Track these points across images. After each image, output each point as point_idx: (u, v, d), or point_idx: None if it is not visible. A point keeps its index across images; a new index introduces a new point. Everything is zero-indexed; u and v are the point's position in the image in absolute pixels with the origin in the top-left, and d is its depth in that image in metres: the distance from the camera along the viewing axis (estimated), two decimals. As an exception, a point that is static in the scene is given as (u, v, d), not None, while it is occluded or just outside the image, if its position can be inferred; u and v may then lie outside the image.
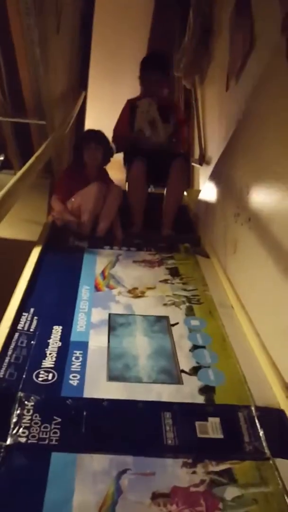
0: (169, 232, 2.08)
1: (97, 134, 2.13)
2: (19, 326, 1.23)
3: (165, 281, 1.61)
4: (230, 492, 0.81)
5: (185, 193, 2.39)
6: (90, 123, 3.47)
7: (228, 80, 2.14)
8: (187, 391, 1.05)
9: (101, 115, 3.68)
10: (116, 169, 2.29)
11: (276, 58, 1.31)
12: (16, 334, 1.19)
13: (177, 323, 1.34)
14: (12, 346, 1.14)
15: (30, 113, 2.00)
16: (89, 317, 1.33)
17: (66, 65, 2.50)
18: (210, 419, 0.96)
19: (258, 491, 0.81)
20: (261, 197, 1.38)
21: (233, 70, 2.00)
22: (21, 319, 1.26)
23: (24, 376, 1.04)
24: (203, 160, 2.49)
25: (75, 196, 1.93)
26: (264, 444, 0.91)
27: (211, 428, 0.93)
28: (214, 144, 2.31)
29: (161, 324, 1.33)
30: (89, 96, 3.44)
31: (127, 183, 2.20)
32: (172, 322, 1.34)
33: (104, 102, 3.89)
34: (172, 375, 1.10)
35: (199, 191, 2.35)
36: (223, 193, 1.84)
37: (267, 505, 0.79)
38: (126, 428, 0.94)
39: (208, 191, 2.16)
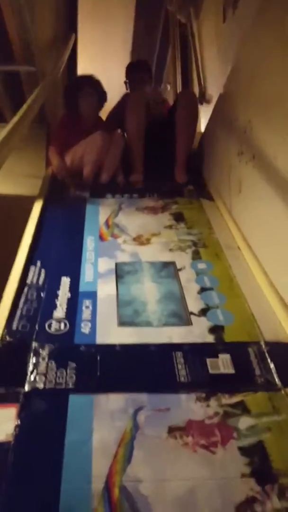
0: (183, 177, 1.98)
1: (89, 79, 2.04)
2: (28, 280, 1.24)
3: (170, 226, 1.60)
4: (244, 422, 0.84)
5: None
6: (82, 69, 3.32)
7: (224, 10, 2.01)
8: (197, 332, 1.07)
9: (94, 60, 3.52)
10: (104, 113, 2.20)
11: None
12: (26, 288, 1.20)
13: (184, 268, 1.34)
14: (22, 300, 1.15)
15: (19, 60, 1.90)
16: (96, 267, 1.33)
17: (53, 7, 2.35)
18: (221, 355, 0.98)
19: (271, 420, 0.84)
20: (265, 134, 1.33)
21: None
22: (29, 273, 1.27)
23: (36, 326, 1.06)
24: (203, 99, 2.38)
25: (78, 146, 1.86)
26: (275, 376, 0.93)
27: (222, 364, 0.96)
28: (214, 81, 2.21)
29: (168, 269, 1.34)
30: (80, 41, 3.26)
31: (127, 120, 2.06)
32: (179, 266, 1.35)
33: (95, 47, 3.70)
34: (182, 318, 1.12)
35: (200, 133, 2.27)
36: (226, 132, 1.78)
37: (280, 432, 0.82)
38: (139, 369, 0.96)
39: (210, 131, 2.09)
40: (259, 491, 0.73)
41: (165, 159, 2.00)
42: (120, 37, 3.73)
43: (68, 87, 2.09)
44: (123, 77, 2.38)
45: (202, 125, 2.36)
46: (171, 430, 0.83)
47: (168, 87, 3.49)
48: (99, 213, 1.68)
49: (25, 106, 1.41)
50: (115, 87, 2.31)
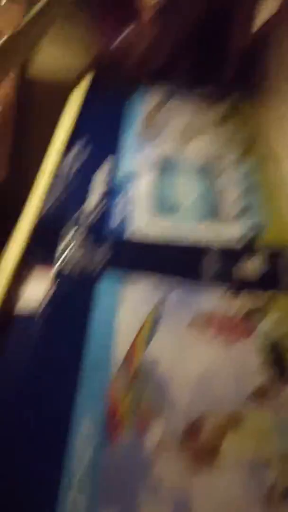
0: (236, 63, 1.79)
1: None
2: (64, 162, 1.21)
3: (218, 125, 1.50)
4: (266, 323, 0.84)
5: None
6: None
7: None
8: (232, 232, 1.04)
9: None
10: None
11: None
12: (62, 169, 1.19)
13: (227, 169, 1.27)
14: (57, 181, 1.14)
15: None
16: (136, 159, 1.29)
17: None
18: (253, 257, 0.96)
19: (294, 324, 0.84)
20: None
21: None
22: (66, 157, 1.24)
23: (70, 209, 1.06)
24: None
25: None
26: (306, 282, 0.91)
27: (254, 266, 0.94)
28: None
29: (211, 168, 1.28)
30: None
31: None
32: (222, 167, 1.28)
33: None
34: (218, 217, 1.09)
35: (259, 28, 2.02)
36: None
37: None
38: (169, 262, 0.96)
39: (272, 27, 1.86)
40: (274, 382, 0.75)
41: (221, 47, 1.80)
42: None
43: None
44: None
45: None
46: (194, 320, 0.84)
47: None
48: (145, 103, 1.59)
49: None
50: None
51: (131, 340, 0.80)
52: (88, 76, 1.72)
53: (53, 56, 1.64)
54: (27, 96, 1.62)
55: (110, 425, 0.69)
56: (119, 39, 1.68)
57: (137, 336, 0.81)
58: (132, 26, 1.63)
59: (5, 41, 1.04)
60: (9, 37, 1.05)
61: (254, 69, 1.87)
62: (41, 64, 1.62)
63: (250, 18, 1.83)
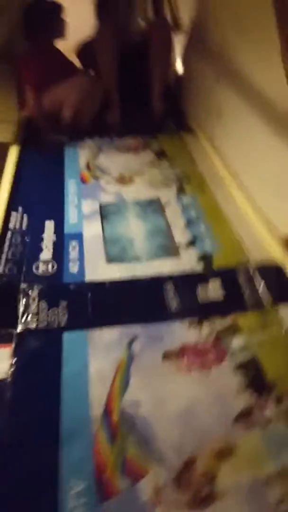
0: (161, 109, 1.90)
1: (61, 5, 1.89)
2: (10, 226, 1.21)
3: (152, 164, 1.56)
4: (237, 342, 0.85)
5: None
6: None
7: None
8: (186, 262, 1.06)
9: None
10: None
11: None
12: (9, 233, 1.17)
13: (169, 203, 1.32)
14: (7, 244, 1.13)
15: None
16: (80, 209, 1.30)
17: None
18: (211, 282, 0.98)
19: (262, 336, 0.86)
20: (242, 54, 1.27)
21: None
22: (10, 219, 1.24)
23: (24, 269, 1.04)
24: (176, 27, 2.24)
25: (60, 88, 1.74)
26: (265, 294, 0.94)
27: (213, 290, 0.96)
28: (186, 6, 2.07)
29: (154, 206, 1.31)
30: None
31: (97, 56, 1.88)
32: (164, 202, 1.32)
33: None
34: (170, 250, 1.11)
35: (175, 64, 2.17)
36: (202, 57, 1.69)
37: (272, 346, 0.84)
38: (131, 303, 0.96)
39: (185, 61, 2.00)
40: (256, 402, 0.75)
41: (141, 93, 1.90)
42: None
43: (38, 9, 1.88)
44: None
45: (177, 57, 2.24)
46: (166, 355, 0.84)
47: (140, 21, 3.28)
48: (79, 156, 1.63)
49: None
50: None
51: (107, 389, 0.78)
52: (22, 134, 1.75)
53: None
54: None
55: (100, 480, 0.66)
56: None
57: (112, 384, 0.79)
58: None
59: None
60: None
61: (178, 108, 1.98)
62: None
63: (166, 57, 1.97)
